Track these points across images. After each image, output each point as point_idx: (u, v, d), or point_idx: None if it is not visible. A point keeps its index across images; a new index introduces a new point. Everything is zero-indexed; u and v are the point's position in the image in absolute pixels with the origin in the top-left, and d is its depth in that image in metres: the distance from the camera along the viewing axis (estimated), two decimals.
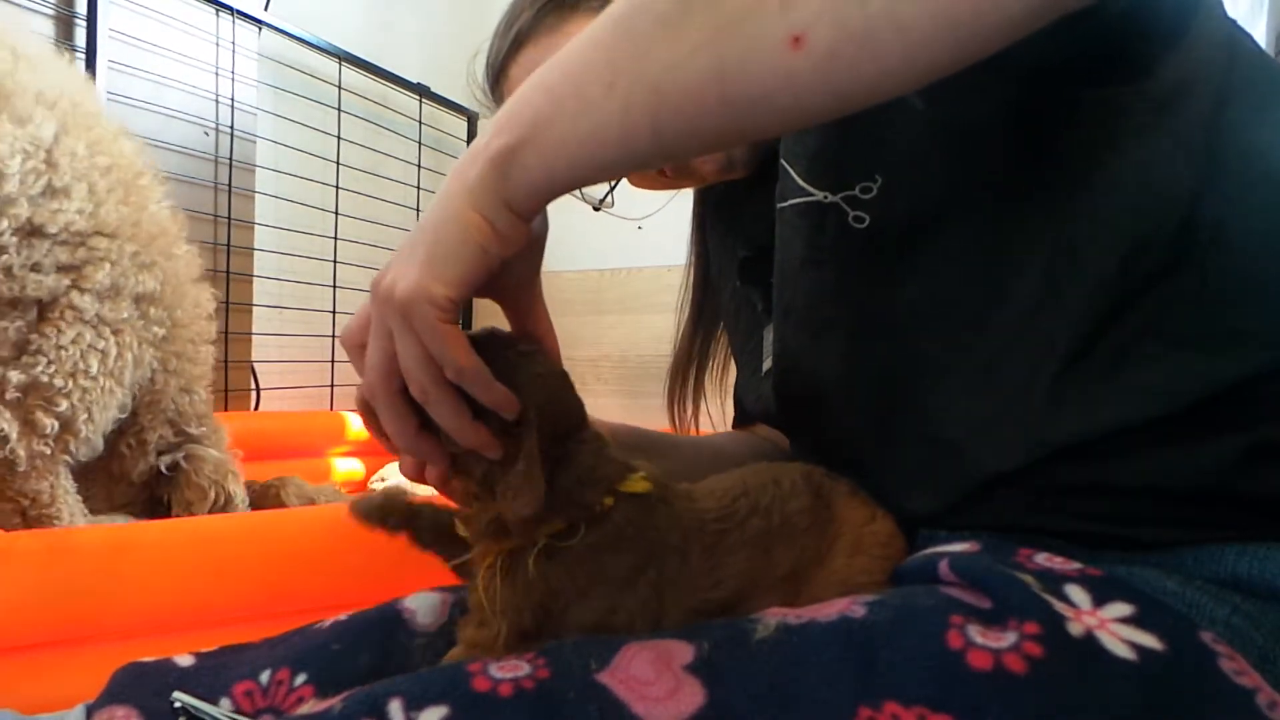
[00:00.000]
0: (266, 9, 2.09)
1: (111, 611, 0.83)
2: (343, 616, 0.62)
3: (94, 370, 1.10)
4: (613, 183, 0.82)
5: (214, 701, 0.54)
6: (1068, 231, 0.52)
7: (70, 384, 1.07)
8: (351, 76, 2.29)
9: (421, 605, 0.61)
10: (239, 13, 2.00)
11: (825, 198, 0.59)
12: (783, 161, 0.62)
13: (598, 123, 0.43)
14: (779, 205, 0.64)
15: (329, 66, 2.24)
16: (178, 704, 0.52)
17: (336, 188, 2.19)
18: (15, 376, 1.04)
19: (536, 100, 0.45)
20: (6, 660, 0.78)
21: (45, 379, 1.05)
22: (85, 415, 1.11)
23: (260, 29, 2.08)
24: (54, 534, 0.95)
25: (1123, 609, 0.43)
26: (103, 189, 1.09)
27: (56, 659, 0.80)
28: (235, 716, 0.52)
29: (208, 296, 1.33)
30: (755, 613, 0.50)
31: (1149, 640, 0.41)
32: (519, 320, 0.56)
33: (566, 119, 0.44)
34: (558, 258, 2.61)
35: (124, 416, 1.20)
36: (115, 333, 1.12)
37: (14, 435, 1.06)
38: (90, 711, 0.52)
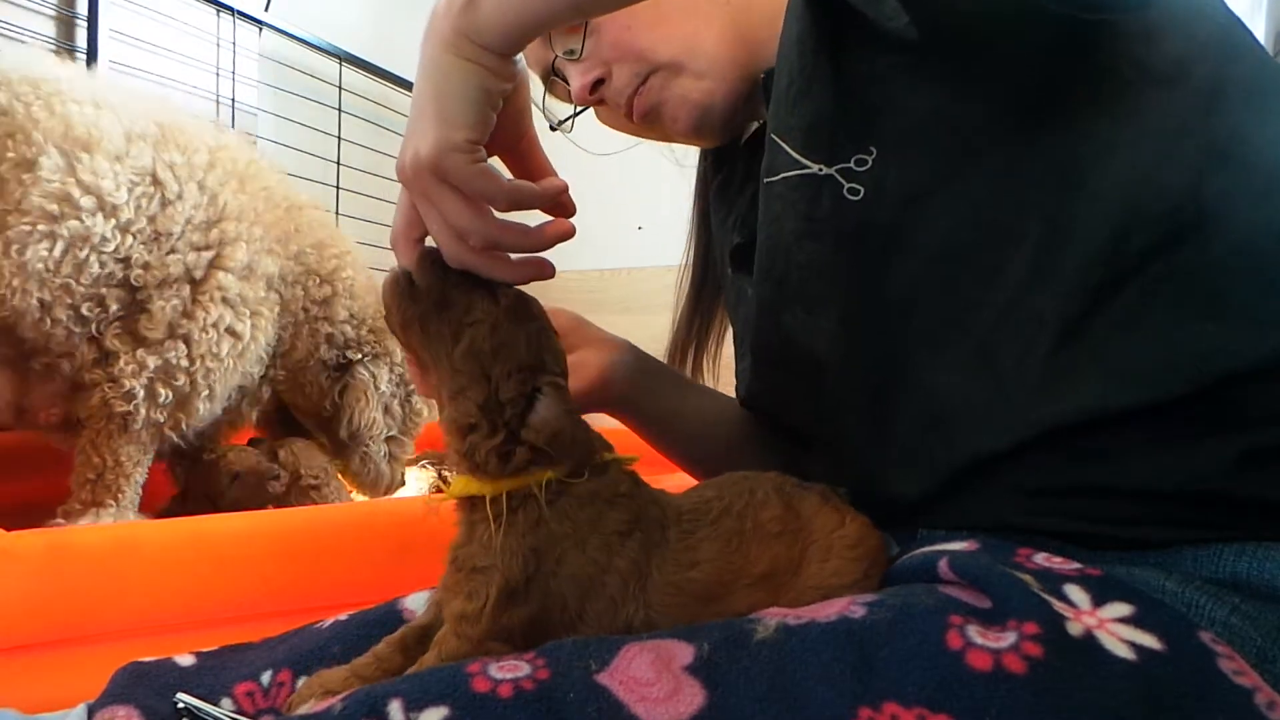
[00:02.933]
0: (267, 9, 2.08)
1: (112, 611, 0.84)
2: (343, 616, 0.62)
3: (224, 353, 1.24)
4: (576, 108, 0.81)
5: (215, 702, 0.54)
6: (1062, 205, 0.52)
7: (198, 364, 1.22)
8: (352, 77, 2.29)
9: (421, 605, 0.61)
10: (239, 13, 2.00)
11: (820, 170, 0.59)
12: (771, 135, 0.63)
13: None
14: (766, 180, 0.64)
15: (329, 67, 2.24)
16: (180, 704, 0.52)
17: (337, 188, 2.19)
18: (152, 360, 1.19)
19: None
20: (7, 660, 0.78)
21: (174, 360, 1.21)
22: (206, 392, 1.25)
23: (261, 29, 2.08)
24: (54, 534, 0.96)
25: (1122, 609, 0.43)
26: (214, 182, 1.23)
27: (57, 658, 0.80)
28: (236, 717, 0.52)
29: (335, 249, 1.46)
30: (738, 609, 0.50)
31: (1148, 640, 0.41)
32: (522, 168, 0.58)
33: None
34: (558, 258, 2.60)
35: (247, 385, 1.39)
36: (253, 314, 1.28)
37: (141, 395, 1.20)
38: (91, 711, 0.52)
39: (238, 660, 0.59)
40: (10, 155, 1.09)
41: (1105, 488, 0.51)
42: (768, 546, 0.53)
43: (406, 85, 2.42)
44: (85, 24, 1.73)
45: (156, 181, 1.18)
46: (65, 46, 1.73)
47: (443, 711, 0.41)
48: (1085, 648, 0.41)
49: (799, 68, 0.59)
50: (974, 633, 0.42)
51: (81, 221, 1.10)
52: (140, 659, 0.58)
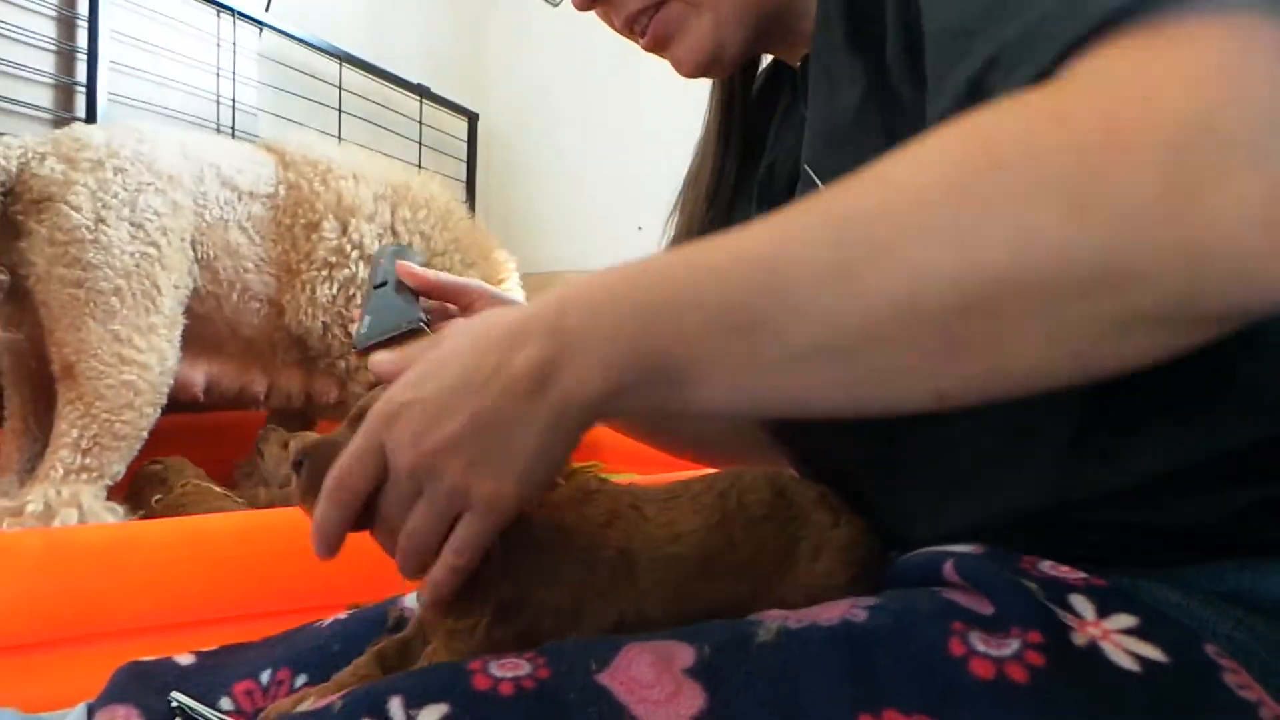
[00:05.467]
0: (267, 10, 2.09)
1: (112, 610, 0.84)
2: (343, 615, 0.62)
3: None
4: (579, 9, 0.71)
5: (214, 700, 0.54)
6: None
7: None
8: (352, 77, 2.29)
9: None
10: (240, 14, 2.00)
11: None
12: (805, 166, 0.59)
13: None
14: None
15: (329, 67, 2.24)
16: (174, 704, 0.52)
17: None
18: None
19: (576, 315, 0.42)
20: (7, 659, 0.78)
21: None
22: None
23: (261, 30, 2.08)
24: (55, 533, 0.96)
25: (1126, 620, 0.43)
26: (428, 228, 1.73)
27: (57, 658, 0.80)
28: (227, 717, 0.52)
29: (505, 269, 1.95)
30: (721, 597, 0.50)
31: (1152, 652, 0.41)
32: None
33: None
34: (558, 258, 2.61)
35: None
36: None
37: None
38: (91, 710, 0.52)
39: (237, 659, 0.59)
40: (301, 220, 1.60)
41: (1112, 525, 0.49)
42: (753, 529, 0.52)
43: (407, 86, 2.42)
44: (86, 25, 1.73)
45: (394, 234, 1.68)
46: (66, 48, 1.73)
47: (443, 709, 0.41)
48: (1089, 659, 0.41)
49: (843, 110, 0.54)
50: (976, 640, 0.42)
51: (350, 269, 1.59)
52: (140, 658, 0.58)
